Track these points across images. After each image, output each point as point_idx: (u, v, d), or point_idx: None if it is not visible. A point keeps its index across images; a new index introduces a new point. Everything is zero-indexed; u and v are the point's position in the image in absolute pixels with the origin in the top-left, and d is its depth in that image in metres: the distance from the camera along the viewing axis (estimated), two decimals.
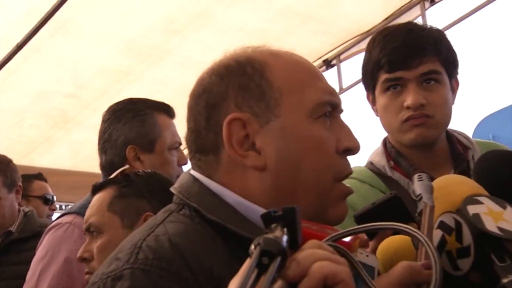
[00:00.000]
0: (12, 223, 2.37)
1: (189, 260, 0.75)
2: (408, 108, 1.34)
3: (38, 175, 3.09)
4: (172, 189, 0.89)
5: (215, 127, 0.85)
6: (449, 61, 1.39)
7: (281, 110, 0.83)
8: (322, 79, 0.89)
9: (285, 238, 0.56)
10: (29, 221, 2.42)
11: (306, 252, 0.57)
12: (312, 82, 0.86)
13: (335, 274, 0.56)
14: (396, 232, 0.78)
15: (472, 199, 0.72)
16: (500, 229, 0.68)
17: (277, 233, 0.56)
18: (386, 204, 0.70)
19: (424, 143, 1.37)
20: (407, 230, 0.65)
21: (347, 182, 1.35)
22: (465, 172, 1.38)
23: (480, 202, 0.71)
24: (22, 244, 2.26)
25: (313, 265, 0.56)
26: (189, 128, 0.90)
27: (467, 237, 0.70)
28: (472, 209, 0.70)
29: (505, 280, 0.66)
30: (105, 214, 1.41)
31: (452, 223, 0.73)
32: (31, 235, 2.27)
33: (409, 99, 1.33)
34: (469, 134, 1.50)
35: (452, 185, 0.78)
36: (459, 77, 1.46)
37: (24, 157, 4.30)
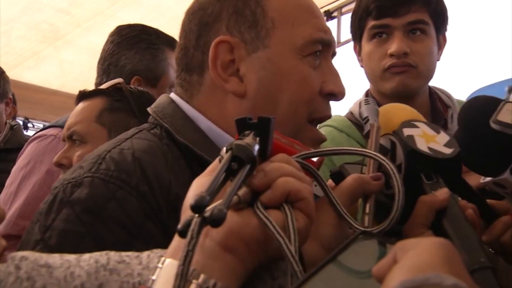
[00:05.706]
0: None
1: (149, 175, 0.76)
2: (391, 55, 1.36)
3: None
4: (148, 109, 0.90)
5: (204, 47, 0.84)
6: (438, 14, 1.40)
7: (270, 41, 0.83)
8: (318, 17, 0.88)
9: (256, 147, 0.56)
10: (15, 134, 2.40)
11: (274, 165, 0.58)
12: (307, 18, 0.85)
13: (297, 191, 0.57)
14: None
15: (409, 123, 0.77)
16: (429, 149, 0.73)
17: (250, 140, 0.56)
18: (361, 164, 0.75)
19: (405, 92, 1.38)
20: (370, 155, 0.69)
21: (324, 130, 1.39)
22: None
23: (416, 126, 0.77)
24: (7, 155, 2.25)
25: (279, 179, 0.57)
26: (179, 45, 0.90)
27: (400, 156, 0.75)
28: (407, 131, 0.75)
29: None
30: (92, 124, 1.36)
31: (388, 145, 0.77)
32: (16, 147, 2.25)
33: (393, 47, 1.36)
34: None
35: (394, 112, 0.83)
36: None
37: (10, 70, 4.20)
